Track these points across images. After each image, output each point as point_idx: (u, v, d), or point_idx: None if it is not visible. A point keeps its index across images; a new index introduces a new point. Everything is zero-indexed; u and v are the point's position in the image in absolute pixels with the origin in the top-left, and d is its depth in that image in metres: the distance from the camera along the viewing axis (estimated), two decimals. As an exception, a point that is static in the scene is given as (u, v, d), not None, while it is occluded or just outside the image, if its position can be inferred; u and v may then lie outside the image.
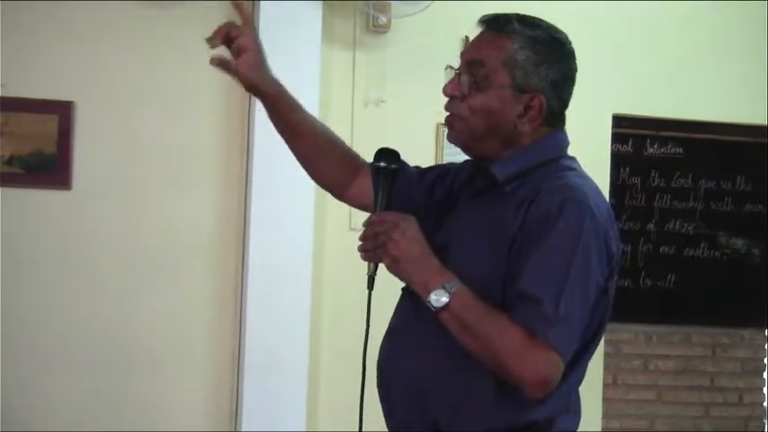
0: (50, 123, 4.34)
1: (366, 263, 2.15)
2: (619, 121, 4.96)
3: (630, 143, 5.06)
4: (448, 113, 2.22)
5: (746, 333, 5.21)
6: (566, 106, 2.22)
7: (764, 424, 5.21)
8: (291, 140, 2.51)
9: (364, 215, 2.21)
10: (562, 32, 2.22)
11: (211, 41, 2.36)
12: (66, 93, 4.36)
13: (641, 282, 5.07)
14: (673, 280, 5.09)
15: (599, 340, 2.18)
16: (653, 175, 5.09)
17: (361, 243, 2.12)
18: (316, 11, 4.43)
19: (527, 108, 2.14)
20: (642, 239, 5.07)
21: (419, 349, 2.17)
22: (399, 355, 2.22)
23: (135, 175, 4.43)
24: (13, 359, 4.25)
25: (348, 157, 2.51)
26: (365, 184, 2.40)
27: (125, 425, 4.34)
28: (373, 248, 2.10)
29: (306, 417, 4.35)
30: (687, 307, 5.11)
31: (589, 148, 4.66)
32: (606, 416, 4.96)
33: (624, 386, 5.07)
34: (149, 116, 4.45)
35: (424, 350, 2.15)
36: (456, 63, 2.22)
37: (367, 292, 2.16)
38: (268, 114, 2.51)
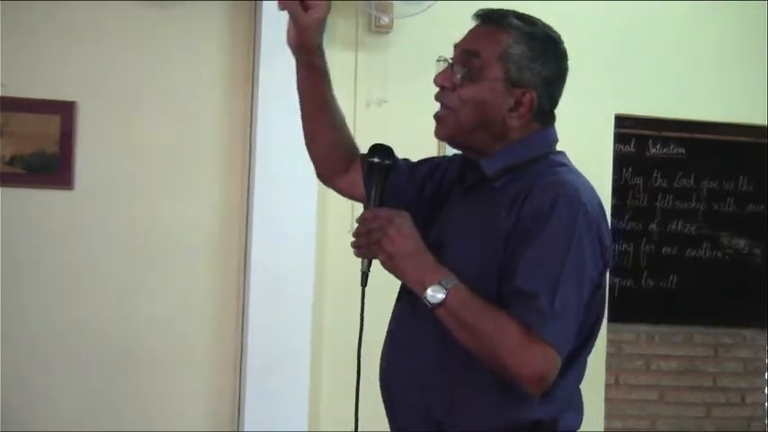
0: (52, 123, 4.34)
1: (360, 259, 2.14)
2: (621, 121, 4.96)
3: (633, 143, 5.05)
4: (438, 110, 2.21)
5: (748, 333, 5.21)
6: (556, 105, 2.22)
7: (767, 424, 5.21)
8: (311, 116, 2.51)
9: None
10: (556, 32, 2.22)
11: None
12: (69, 93, 4.37)
13: (643, 282, 5.07)
14: (675, 280, 5.09)
15: (596, 336, 2.18)
16: (655, 175, 5.09)
17: (354, 240, 2.12)
18: (317, 11, 4.42)
19: (518, 103, 2.14)
20: (644, 240, 5.07)
21: (419, 349, 2.17)
22: (400, 356, 2.22)
23: (137, 175, 4.43)
24: (13, 359, 4.26)
25: (349, 147, 2.53)
26: (357, 177, 2.42)
27: (126, 425, 4.34)
28: (367, 245, 2.09)
29: (308, 417, 4.35)
30: (689, 307, 5.10)
31: (591, 148, 4.70)
32: (608, 416, 4.96)
33: (626, 386, 5.07)
34: (151, 116, 4.45)
35: (425, 349, 2.15)
36: (449, 55, 2.21)
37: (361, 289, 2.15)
38: (302, 82, 2.53)
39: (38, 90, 4.34)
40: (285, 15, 4.59)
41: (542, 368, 1.99)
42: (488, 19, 2.19)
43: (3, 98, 4.27)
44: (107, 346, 4.36)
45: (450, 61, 2.19)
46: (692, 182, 5.12)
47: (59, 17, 4.37)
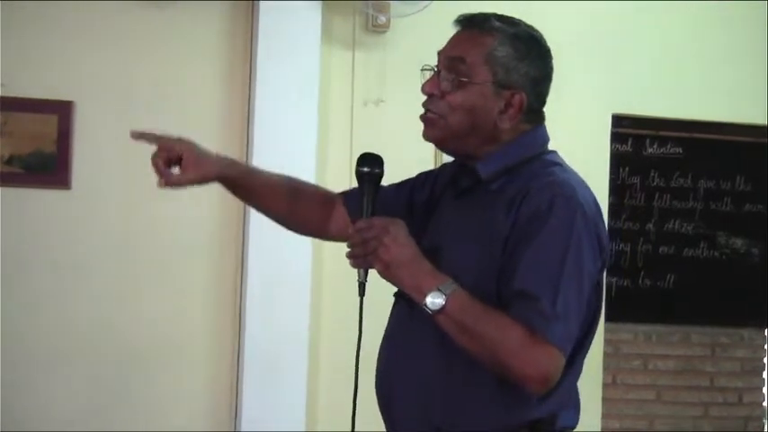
0: (50, 123, 4.34)
1: (356, 270, 2.13)
2: (618, 120, 4.96)
3: (630, 143, 5.06)
4: (424, 111, 2.21)
5: (746, 333, 5.21)
6: (544, 103, 2.22)
7: (764, 424, 5.21)
8: (262, 206, 2.53)
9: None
10: (538, 31, 2.22)
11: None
12: (66, 93, 4.36)
13: (641, 281, 5.07)
14: (672, 280, 5.09)
15: (593, 334, 2.19)
16: (652, 174, 5.09)
17: (349, 250, 2.11)
18: (315, 10, 4.43)
19: (508, 105, 2.15)
20: (641, 239, 5.07)
21: (417, 351, 2.17)
22: (398, 358, 2.22)
23: (134, 175, 4.42)
24: (12, 359, 4.25)
25: (318, 198, 2.52)
26: (341, 216, 2.42)
27: (124, 425, 4.34)
28: (363, 255, 2.08)
29: (305, 417, 4.35)
30: (686, 307, 5.10)
31: (588, 147, 4.70)
32: (606, 416, 4.96)
33: (623, 386, 5.07)
34: (149, 116, 4.45)
35: (423, 351, 2.15)
36: (433, 62, 2.21)
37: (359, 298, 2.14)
38: (234, 193, 2.53)
39: (35, 89, 4.34)
40: (284, 15, 4.61)
41: (547, 369, 1.99)
42: (470, 23, 2.20)
43: (1, 98, 4.27)
44: (105, 345, 4.36)
45: (436, 69, 2.19)
46: (689, 181, 5.12)
47: (56, 17, 4.36)
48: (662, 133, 5.08)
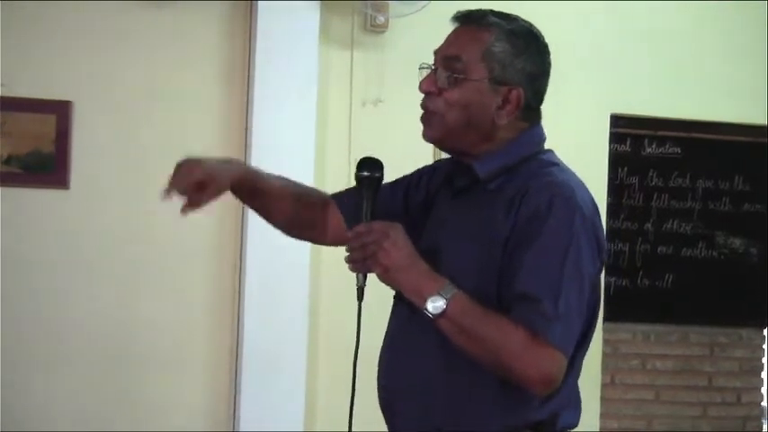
0: (48, 123, 4.33)
1: (355, 274, 2.12)
2: (617, 120, 4.96)
3: (628, 143, 5.06)
4: (423, 111, 2.21)
5: (744, 333, 5.21)
6: (541, 101, 2.22)
7: (762, 423, 5.22)
8: (266, 212, 2.54)
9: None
10: (536, 27, 2.22)
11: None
12: (65, 92, 4.36)
13: (639, 281, 5.07)
14: (671, 280, 5.09)
15: (593, 333, 2.19)
16: (651, 174, 5.09)
17: (348, 254, 2.10)
18: (313, 11, 4.43)
19: (505, 101, 2.14)
20: (640, 239, 5.07)
21: (419, 351, 2.16)
22: (399, 359, 2.21)
23: (133, 175, 4.43)
24: (12, 359, 4.25)
25: (317, 203, 2.50)
26: (336, 221, 2.40)
27: (123, 425, 4.34)
28: (362, 259, 2.07)
29: (303, 418, 4.34)
30: (685, 307, 5.10)
31: (587, 147, 4.70)
32: (604, 415, 4.96)
33: (622, 386, 5.07)
34: (148, 116, 4.45)
35: (424, 352, 2.15)
36: (431, 61, 2.21)
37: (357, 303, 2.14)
38: (240, 199, 2.54)
39: (33, 89, 4.33)
40: (283, 15, 4.61)
41: (550, 371, 2.00)
42: (468, 20, 2.19)
43: (0, 98, 4.27)
44: (103, 346, 4.36)
45: (434, 67, 2.19)
46: (687, 181, 5.12)
47: (56, 17, 4.36)
48: (660, 133, 5.08)
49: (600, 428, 4.92)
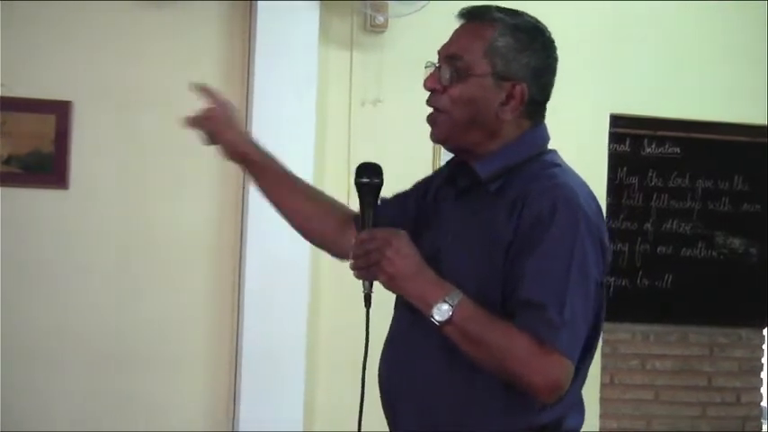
0: (48, 123, 4.34)
1: (360, 281, 2.11)
2: (616, 120, 4.96)
3: (628, 143, 5.06)
4: (430, 112, 2.19)
5: (744, 333, 5.21)
6: (547, 98, 2.20)
7: (762, 424, 5.22)
8: (283, 208, 2.50)
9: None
10: (542, 23, 2.21)
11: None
12: (64, 92, 4.36)
13: (638, 281, 5.07)
14: (670, 280, 5.09)
15: (599, 337, 2.18)
16: (650, 174, 5.09)
17: (352, 262, 2.08)
18: (313, 11, 4.43)
19: (509, 97, 2.13)
20: (639, 239, 5.07)
21: (421, 354, 2.15)
22: (401, 361, 2.20)
23: (132, 175, 4.43)
24: (12, 359, 4.25)
25: (338, 211, 2.49)
26: (352, 236, 2.36)
27: (123, 425, 4.34)
28: (366, 267, 2.06)
29: (303, 417, 4.35)
30: (684, 307, 5.10)
31: (587, 147, 4.70)
32: (604, 416, 4.96)
33: (621, 386, 5.07)
34: (147, 116, 4.45)
35: (426, 355, 2.13)
36: (432, 60, 2.20)
37: (366, 309, 2.11)
38: (256, 183, 2.52)
39: (33, 89, 4.33)
40: (282, 15, 4.61)
41: (557, 378, 1.98)
42: (472, 16, 2.18)
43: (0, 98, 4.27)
44: (103, 345, 4.36)
45: (438, 64, 2.18)
46: (687, 181, 5.12)
47: (58, 17, 4.36)
48: (660, 133, 5.09)
49: (599, 428, 4.92)
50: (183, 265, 4.46)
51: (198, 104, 4.51)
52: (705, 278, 5.11)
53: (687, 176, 5.12)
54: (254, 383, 4.32)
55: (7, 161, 4.30)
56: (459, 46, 2.16)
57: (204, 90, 2.45)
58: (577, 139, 4.42)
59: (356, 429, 2.18)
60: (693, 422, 5.12)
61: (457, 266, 2.10)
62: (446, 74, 2.14)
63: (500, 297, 2.04)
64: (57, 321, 4.33)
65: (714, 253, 5.14)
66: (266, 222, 4.35)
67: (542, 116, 2.21)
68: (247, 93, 4.46)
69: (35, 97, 4.33)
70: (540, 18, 2.22)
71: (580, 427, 2.18)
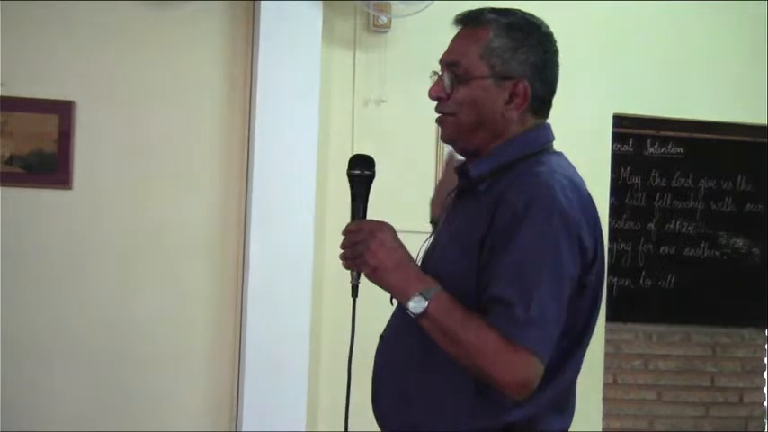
0: (51, 123, 4.34)
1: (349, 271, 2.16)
2: (619, 120, 4.96)
3: (631, 143, 5.05)
4: (438, 114, 2.22)
5: (747, 333, 5.21)
6: (552, 92, 2.21)
7: (765, 424, 5.21)
8: None
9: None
10: (537, 18, 2.21)
11: None
12: (67, 92, 4.36)
13: (641, 281, 5.07)
14: (673, 280, 5.09)
15: (588, 339, 2.17)
16: (653, 174, 5.09)
17: (341, 252, 2.13)
18: (316, 10, 4.43)
19: (512, 95, 2.14)
20: (642, 239, 5.07)
21: (402, 354, 2.18)
22: (385, 360, 2.24)
23: (135, 175, 4.43)
24: (12, 359, 4.25)
25: None
26: None
27: (125, 425, 4.34)
28: (352, 257, 2.11)
29: (306, 417, 4.35)
30: (687, 307, 5.10)
31: (589, 147, 4.70)
32: (606, 416, 4.96)
33: (624, 386, 5.07)
34: (150, 116, 4.45)
35: (407, 353, 2.17)
36: (436, 64, 2.23)
37: (357, 299, 2.16)
38: None
39: (35, 89, 4.34)
40: (285, 15, 4.62)
41: (523, 375, 1.98)
42: (466, 21, 2.21)
43: (1, 98, 4.27)
44: (106, 345, 4.36)
45: (440, 73, 2.20)
46: (690, 181, 5.12)
47: (59, 17, 4.36)
48: (663, 133, 5.08)
49: (602, 428, 4.92)
50: (185, 265, 4.46)
51: (199, 104, 4.53)
52: (708, 278, 5.11)
53: (690, 176, 5.12)
54: (256, 382, 4.32)
55: (10, 161, 4.30)
56: (457, 52, 2.18)
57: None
58: (581, 140, 4.41)
59: (357, 427, 2.20)
60: (696, 422, 5.12)
61: (441, 264, 2.14)
62: (447, 81, 2.17)
63: (476, 293, 2.05)
64: (59, 321, 4.33)
65: (717, 253, 5.14)
66: (269, 221, 4.38)
67: (548, 112, 2.22)
68: (250, 93, 4.46)
69: (37, 97, 4.33)
70: (543, 18, 2.22)
71: (562, 428, 2.17)
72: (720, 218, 5.15)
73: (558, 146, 2.24)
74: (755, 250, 5.17)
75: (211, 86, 4.50)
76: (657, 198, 5.09)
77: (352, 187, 2.22)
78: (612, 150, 4.97)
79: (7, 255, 4.27)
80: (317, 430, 4.46)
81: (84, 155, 4.37)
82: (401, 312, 2.16)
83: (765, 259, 5.16)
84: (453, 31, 2.24)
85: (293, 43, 4.40)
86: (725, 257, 5.15)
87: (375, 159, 2.23)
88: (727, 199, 5.16)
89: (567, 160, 2.21)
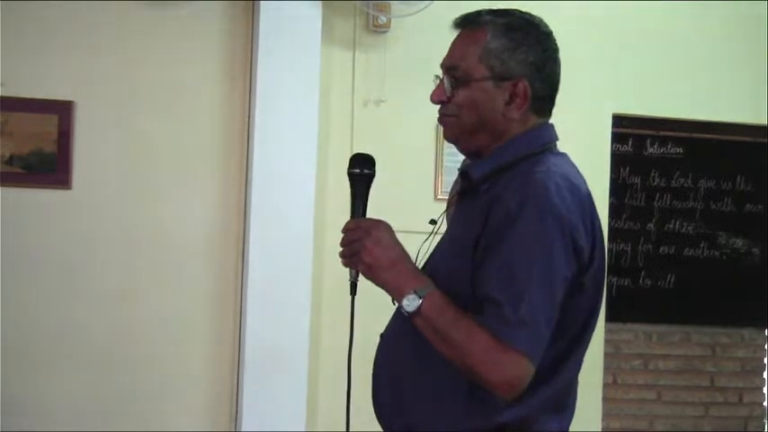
0: (50, 123, 4.34)
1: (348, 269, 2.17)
2: (619, 120, 4.96)
3: (630, 143, 5.06)
4: (440, 115, 2.23)
5: (746, 333, 5.21)
6: (554, 90, 2.21)
7: (764, 424, 5.21)
8: None
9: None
10: (536, 17, 2.22)
11: None
12: (66, 92, 4.36)
13: (641, 281, 5.07)
14: (672, 280, 5.09)
15: (587, 338, 2.16)
16: (653, 174, 5.09)
17: (340, 250, 2.15)
18: (315, 11, 4.43)
19: (512, 95, 2.14)
20: (642, 239, 5.07)
21: (400, 353, 2.19)
22: (385, 360, 2.25)
23: (135, 175, 4.43)
24: (12, 359, 4.25)
25: None
26: None
27: (125, 425, 4.34)
28: (350, 255, 2.12)
29: (306, 417, 4.35)
30: (687, 307, 5.11)
31: (589, 147, 4.70)
32: (606, 416, 4.96)
33: (624, 386, 5.07)
34: (149, 115, 4.45)
35: (405, 354, 2.17)
36: (436, 64, 2.24)
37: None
38: None
39: (35, 89, 4.33)
40: (285, 15, 4.62)
41: (512, 375, 1.98)
42: (464, 24, 2.21)
43: (1, 98, 4.27)
44: (105, 345, 4.36)
45: (441, 77, 2.21)
46: (689, 181, 5.12)
47: (56, 17, 4.36)
48: (662, 133, 5.09)
49: (602, 428, 4.92)
50: (185, 265, 4.46)
51: (199, 104, 4.53)
52: (708, 278, 5.11)
53: (690, 176, 5.12)
54: (256, 383, 4.32)
55: (9, 161, 4.30)
56: (456, 56, 2.19)
57: None
58: (580, 140, 4.41)
59: (357, 427, 2.20)
60: (696, 422, 5.13)
61: (438, 264, 2.15)
62: (448, 85, 2.18)
63: (471, 293, 2.05)
64: (58, 321, 4.33)
65: (717, 253, 5.14)
66: (269, 221, 4.38)
67: (550, 111, 2.22)
68: (250, 93, 4.46)
69: (37, 97, 4.33)
70: (542, 19, 2.22)
71: (560, 429, 2.16)
72: (720, 218, 5.15)
73: (557, 146, 2.24)
74: (755, 250, 5.17)
75: (211, 86, 4.50)
76: (657, 198, 5.09)
77: (351, 186, 2.23)
78: (612, 150, 4.97)
79: (7, 255, 4.27)
80: (317, 430, 4.46)
81: (83, 155, 4.37)
82: (400, 311, 2.16)
83: (765, 259, 5.16)
84: (453, 31, 2.24)
85: (293, 43, 4.40)
86: (724, 257, 5.15)
87: (375, 159, 2.24)
88: (726, 199, 5.16)
89: (569, 160, 2.20)
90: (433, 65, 2.26)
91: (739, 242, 5.16)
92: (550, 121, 2.24)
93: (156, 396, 4.40)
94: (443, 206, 2.39)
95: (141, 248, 4.42)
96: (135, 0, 4.41)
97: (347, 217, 2.20)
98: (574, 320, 2.10)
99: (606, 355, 4.94)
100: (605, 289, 2.27)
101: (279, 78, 4.40)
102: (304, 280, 4.37)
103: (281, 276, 4.34)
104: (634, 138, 5.06)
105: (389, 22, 4.58)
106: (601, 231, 2.17)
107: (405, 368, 2.17)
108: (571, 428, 2.20)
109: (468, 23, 2.20)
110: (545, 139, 2.20)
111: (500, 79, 2.13)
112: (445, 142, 2.29)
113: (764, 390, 5.22)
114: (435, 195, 4.60)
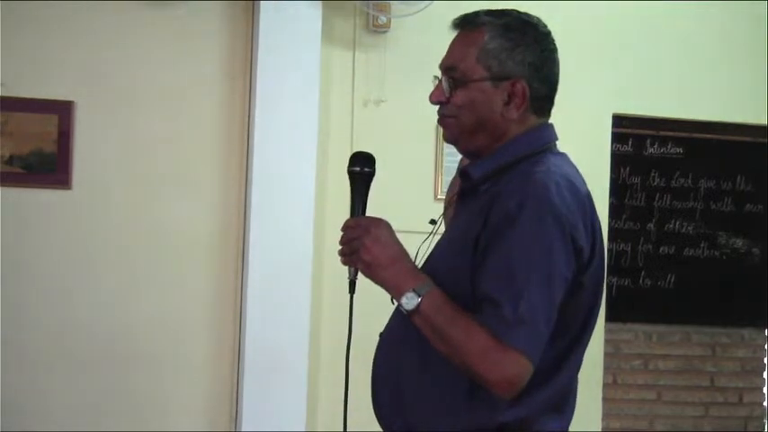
0: (50, 123, 4.34)
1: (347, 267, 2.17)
2: (619, 120, 4.96)
3: (630, 143, 5.06)
4: (439, 116, 2.23)
5: (746, 333, 5.21)
6: (553, 90, 2.21)
7: (764, 424, 5.21)
8: None
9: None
10: (534, 17, 2.22)
11: None
12: (66, 92, 4.36)
13: (641, 281, 5.07)
14: (672, 280, 5.09)
15: (587, 338, 2.17)
16: (653, 174, 5.09)
17: (339, 248, 2.15)
18: (315, 10, 4.43)
19: (511, 95, 2.14)
20: (642, 239, 5.07)
21: (400, 353, 2.19)
22: (385, 359, 2.25)
23: (135, 175, 4.43)
24: (12, 359, 4.25)
25: None
26: None
27: (125, 425, 4.34)
28: (349, 253, 2.12)
29: (306, 417, 4.35)
30: (687, 307, 5.10)
31: (589, 147, 4.70)
32: (606, 416, 4.96)
33: (624, 386, 5.07)
34: (149, 115, 4.45)
35: (404, 353, 2.17)
36: (435, 65, 2.24)
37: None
38: None
39: (35, 89, 4.34)
40: (285, 15, 4.62)
41: (510, 374, 1.98)
42: (462, 24, 2.22)
43: (1, 98, 4.27)
44: (105, 345, 4.36)
45: (439, 78, 2.21)
46: (689, 181, 5.12)
47: (56, 17, 4.36)
48: (662, 133, 5.09)
49: (602, 428, 4.92)
50: (185, 265, 4.46)
51: (198, 104, 4.54)
52: (708, 278, 5.11)
53: (690, 176, 5.12)
54: (256, 382, 4.32)
55: (9, 161, 4.30)
56: (454, 57, 2.19)
57: None
58: (580, 140, 4.41)
59: (357, 427, 2.20)
60: (696, 422, 5.13)
61: (438, 263, 2.15)
62: (446, 86, 2.18)
63: (470, 292, 2.05)
64: (58, 321, 4.33)
65: (717, 253, 5.14)
66: (269, 221, 4.38)
67: (549, 111, 2.22)
68: (250, 93, 4.46)
69: (37, 97, 4.33)
70: (542, 18, 2.23)
71: (561, 428, 2.17)
72: (720, 218, 5.15)
73: (557, 146, 2.24)
74: (755, 250, 5.17)
75: (211, 86, 4.50)
76: (657, 198, 5.09)
77: (351, 184, 2.23)
78: (612, 150, 4.97)
79: (7, 255, 4.27)
80: (317, 430, 4.46)
81: (83, 155, 4.37)
82: (399, 310, 2.16)
83: (765, 259, 5.16)
84: (452, 31, 2.24)
85: (293, 43, 4.40)
86: (724, 257, 5.15)
87: (375, 158, 2.24)
88: (726, 199, 5.16)
89: (568, 160, 2.20)
90: (433, 65, 2.26)
91: (739, 242, 5.16)
92: (550, 121, 2.24)
93: (156, 396, 4.40)
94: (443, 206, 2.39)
95: (141, 248, 4.42)
96: (134, 0, 4.41)
97: (347, 217, 2.20)
98: (573, 320, 2.10)
99: (606, 355, 4.94)
100: (605, 289, 2.27)
101: (279, 78, 4.40)
102: (304, 280, 4.37)
103: (281, 276, 4.34)
104: (634, 138, 5.06)
105: (389, 22, 4.58)
106: (600, 231, 2.18)
107: (404, 368, 2.17)
108: (571, 428, 2.20)
109: (466, 24, 2.20)
110: (545, 139, 2.20)
111: (498, 79, 2.14)
112: (445, 142, 2.28)
113: (764, 390, 5.22)
114: (435, 195, 4.61)
